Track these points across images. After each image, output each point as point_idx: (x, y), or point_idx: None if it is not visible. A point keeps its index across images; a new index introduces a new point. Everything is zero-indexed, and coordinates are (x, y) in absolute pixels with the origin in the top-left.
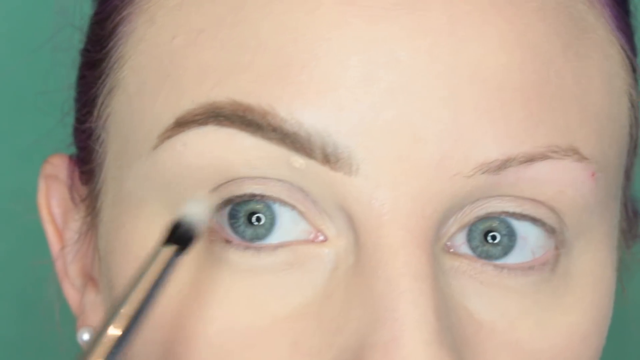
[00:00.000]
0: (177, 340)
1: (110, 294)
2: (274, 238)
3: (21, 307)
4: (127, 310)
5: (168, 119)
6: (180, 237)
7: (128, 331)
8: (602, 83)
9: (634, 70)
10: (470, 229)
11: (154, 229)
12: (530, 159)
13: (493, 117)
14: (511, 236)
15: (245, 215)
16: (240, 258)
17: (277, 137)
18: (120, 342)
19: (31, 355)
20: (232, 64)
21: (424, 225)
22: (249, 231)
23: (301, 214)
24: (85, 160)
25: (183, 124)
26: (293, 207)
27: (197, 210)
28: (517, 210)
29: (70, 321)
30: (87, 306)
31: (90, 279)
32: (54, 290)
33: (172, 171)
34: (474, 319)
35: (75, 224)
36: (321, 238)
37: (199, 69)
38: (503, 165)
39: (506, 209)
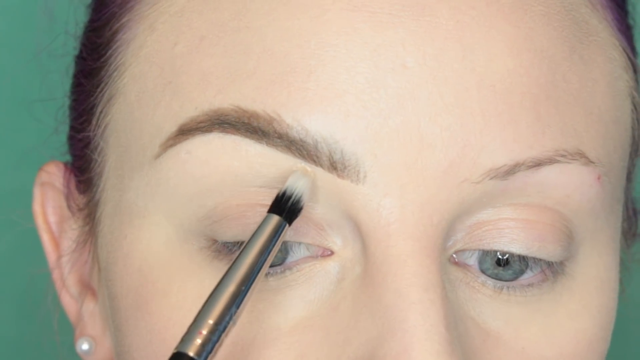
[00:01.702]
0: None
1: (111, 305)
2: (283, 264)
3: (21, 307)
4: (239, 273)
5: (170, 126)
6: (286, 208)
7: (244, 292)
8: (606, 86)
9: (635, 71)
10: (482, 253)
11: (157, 241)
12: (538, 164)
13: (501, 121)
14: (522, 260)
15: None
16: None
17: (283, 144)
18: (234, 301)
19: (31, 355)
20: (235, 70)
21: (432, 233)
22: None
23: (307, 246)
24: (83, 169)
25: (186, 131)
26: (300, 243)
27: (302, 183)
28: (524, 252)
29: (68, 323)
30: (86, 316)
31: (88, 288)
32: (53, 293)
33: (175, 180)
34: (480, 328)
35: (73, 232)
36: (327, 253)
37: (201, 75)
38: (511, 170)
39: (512, 250)
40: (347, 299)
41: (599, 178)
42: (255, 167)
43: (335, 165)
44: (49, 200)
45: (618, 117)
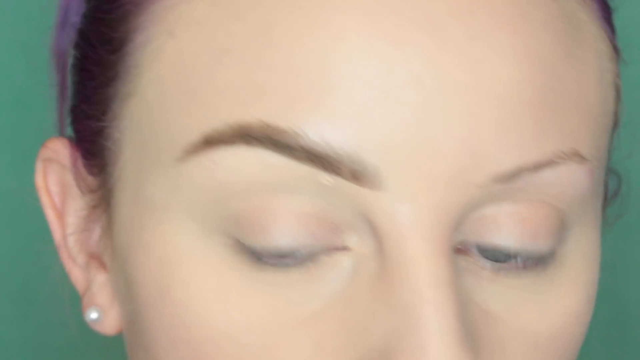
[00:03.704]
0: (203, 339)
1: (130, 289)
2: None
3: (21, 307)
4: None
5: (195, 135)
6: None
7: None
8: (596, 82)
9: (617, 58)
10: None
11: (177, 233)
12: (538, 167)
13: (506, 130)
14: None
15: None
16: (261, 273)
17: (306, 157)
18: None
19: (31, 355)
20: (260, 86)
21: (443, 233)
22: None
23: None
24: (93, 152)
25: (212, 142)
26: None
27: None
28: (518, 247)
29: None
30: (94, 287)
31: (95, 259)
32: (48, 289)
33: (199, 184)
34: (483, 311)
35: (81, 209)
36: (341, 247)
37: (226, 88)
38: (514, 175)
39: (508, 244)
40: (364, 293)
41: (590, 172)
42: (279, 177)
43: (355, 175)
44: (50, 172)
45: (605, 109)
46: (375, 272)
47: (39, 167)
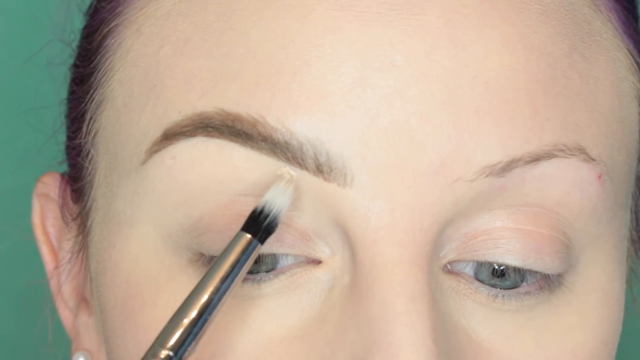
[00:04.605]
0: None
1: (101, 316)
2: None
3: (21, 307)
4: (203, 296)
5: (155, 132)
6: (261, 227)
7: (202, 317)
8: (610, 85)
9: None
10: (479, 264)
11: (145, 251)
12: (536, 159)
13: (497, 117)
14: (518, 272)
15: None
16: (237, 288)
17: (267, 147)
18: (193, 329)
19: (31, 355)
20: (219, 73)
21: (422, 239)
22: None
23: (295, 256)
24: (76, 177)
25: (171, 136)
26: (287, 254)
27: (280, 201)
28: (519, 264)
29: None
30: (81, 329)
31: (83, 300)
32: (51, 301)
33: (160, 187)
34: (472, 339)
35: (67, 243)
36: (316, 261)
37: (185, 78)
38: (508, 166)
39: (508, 262)
40: (335, 309)
41: (599, 177)
42: (240, 172)
43: (321, 168)
44: (48, 212)
45: (623, 118)
46: (348, 286)
47: (35, 205)
